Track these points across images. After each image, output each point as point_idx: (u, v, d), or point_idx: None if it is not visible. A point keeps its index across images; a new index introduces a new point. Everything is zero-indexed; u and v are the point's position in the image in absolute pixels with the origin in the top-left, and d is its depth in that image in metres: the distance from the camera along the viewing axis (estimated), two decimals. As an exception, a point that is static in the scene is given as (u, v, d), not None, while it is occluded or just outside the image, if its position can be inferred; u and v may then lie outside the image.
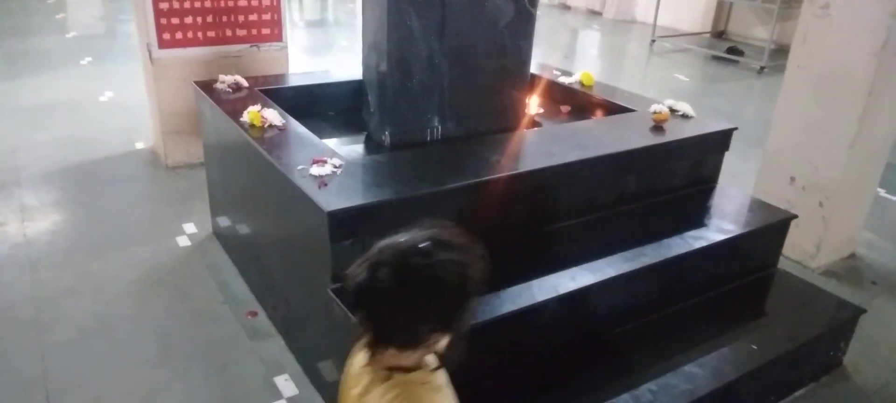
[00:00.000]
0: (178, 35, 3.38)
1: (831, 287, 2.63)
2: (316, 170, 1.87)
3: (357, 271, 0.96)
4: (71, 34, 6.60)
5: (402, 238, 0.99)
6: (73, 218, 3.03)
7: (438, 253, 0.96)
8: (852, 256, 3.00)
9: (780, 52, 2.81)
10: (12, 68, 5.24)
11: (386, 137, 2.42)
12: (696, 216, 2.37)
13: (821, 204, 2.76)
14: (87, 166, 3.55)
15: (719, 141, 2.52)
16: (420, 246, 0.96)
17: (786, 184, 2.86)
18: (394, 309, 0.95)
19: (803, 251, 2.86)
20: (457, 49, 2.38)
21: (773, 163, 2.91)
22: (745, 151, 3.61)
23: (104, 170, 3.52)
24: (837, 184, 2.70)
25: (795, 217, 2.43)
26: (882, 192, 3.63)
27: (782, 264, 2.69)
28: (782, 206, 2.70)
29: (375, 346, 0.98)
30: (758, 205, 2.51)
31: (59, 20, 7.29)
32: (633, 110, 2.63)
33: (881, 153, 2.84)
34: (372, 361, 1.01)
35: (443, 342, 0.98)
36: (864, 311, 2.25)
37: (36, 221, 2.95)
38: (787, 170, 2.85)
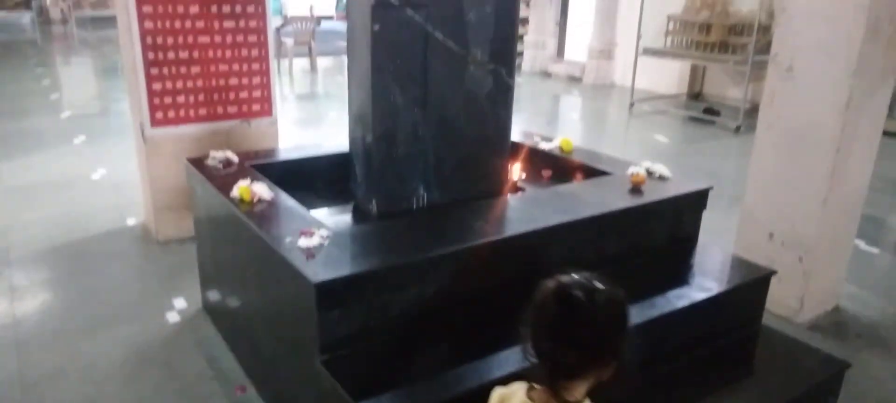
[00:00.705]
0: (171, 113, 3.47)
1: (817, 341, 2.66)
2: (303, 242, 1.91)
3: (543, 313, 1.10)
4: (65, 114, 6.72)
5: (569, 279, 1.14)
6: (62, 297, 3.03)
7: (610, 291, 1.13)
8: (836, 309, 3.05)
9: (755, 110, 2.93)
10: (5, 148, 5.31)
11: (373, 207, 2.48)
12: (678, 275, 2.42)
13: (801, 259, 2.83)
14: (77, 244, 3.57)
15: (696, 200, 2.60)
16: (597, 285, 1.12)
17: (765, 240, 2.92)
18: (587, 342, 1.08)
19: (788, 306, 2.90)
20: (440, 119, 2.47)
21: (751, 219, 2.99)
22: (725, 208, 3.70)
23: (95, 248, 3.54)
24: (815, 239, 2.77)
25: (775, 273, 2.48)
26: (862, 244, 3.71)
27: (768, 320, 2.73)
28: (763, 262, 2.76)
29: (556, 381, 1.10)
30: (738, 263, 2.57)
31: (53, 101, 7.43)
32: (611, 173, 2.72)
33: (855, 207, 2.93)
34: (545, 397, 1.12)
35: (608, 371, 1.12)
36: (849, 366, 2.27)
37: (25, 301, 2.95)
38: (765, 226, 2.92)
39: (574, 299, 1.10)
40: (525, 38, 10.64)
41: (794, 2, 2.66)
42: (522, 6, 10.88)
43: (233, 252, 2.46)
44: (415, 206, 2.53)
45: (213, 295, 2.80)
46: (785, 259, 2.85)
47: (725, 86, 8.19)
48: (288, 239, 1.93)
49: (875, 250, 3.77)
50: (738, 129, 6.66)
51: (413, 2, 2.28)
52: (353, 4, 2.40)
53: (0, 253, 3.41)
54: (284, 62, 9.84)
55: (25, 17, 15.69)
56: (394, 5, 2.24)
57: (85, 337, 2.68)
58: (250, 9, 3.55)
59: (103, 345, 2.62)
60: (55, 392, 2.34)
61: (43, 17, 15.84)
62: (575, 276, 1.15)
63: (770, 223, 2.90)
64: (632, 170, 2.62)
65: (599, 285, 1.14)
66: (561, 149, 3.04)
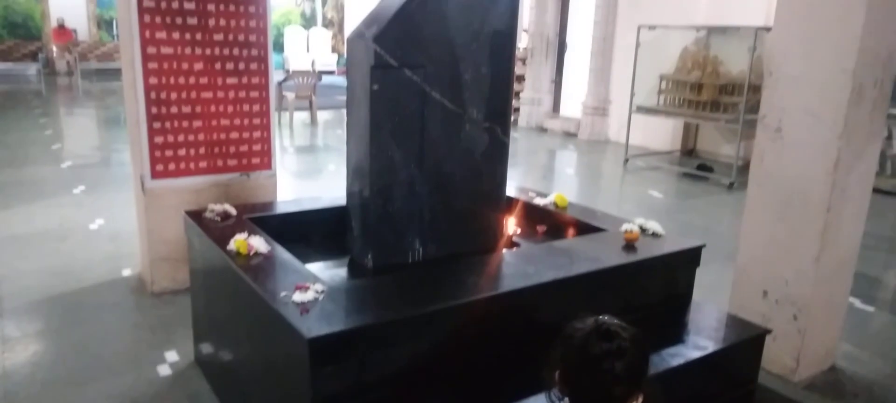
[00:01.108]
0: (171, 166, 3.52)
1: (814, 401, 2.64)
2: (298, 297, 1.92)
3: (587, 351, 1.24)
4: (66, 164, 6.78)
5: (605, 319, 1.30)
6: (54, 348, 3.01)
7: (634, 328, 1.31)
8: (833, 369, 3.03)
9: (747, 167, 2.98)
10: (4, 197, 5.34)
11: (369, 261, 2.49)
12: (673, 333, 2.42)
13: (795, 318, 2.83)
14: (72, 295, 3.56)
15: (690, 257, 2.62)
16: (624, 323, 1.30)
17: (759, 298, 2.93)
18: (632, 374, 1.23)
19: (784, 365, 2.89)
20: (436, 176, 2.51)
21: (745, 277, 3.00)
22: (720, 265, 3.71)
23: (89, 299, 3.53)
24: (809, 298, 2.78)
25: (770, 332, 2.49)
26: (857, 303, 3.72)
27: (765, 378, 2.73)
28: (758, 320, 2.77)
29: None
30: (733, 321, 2.57)
31: (55, 150, 7.50)
32: (604, 229, 2.75)
33: (848, 265, 2.95)
34: None
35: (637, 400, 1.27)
36: (846, 425, 2.26)
37: (16, 352, 2.93)
38: (759, 284, 2.94)
39: (619, 335, 1.26)
40: (521, 94, 10.85)
41: (781, 66, 2.74)
42: (518, 64, 11.13)
43: (227, 305, 2.46)
44: (410, 261, 2.55)
45: (206, 348, 2.79)
46: (780, 317, 2.86)
47: (718, 143, 8.31)
48: (282, 294, 1.94)
49: (870, 308, 3.77)
50: (731, 186, 6.73)
51: (411, 63, 2.35)
52: (354, 64, 2.48)
53: (-7, 303, 3.40)
54: (285, 115, 10.00)
55: (32, 68, 15.96)
56: (393, 66, 2.31)
57: (75, 389, 2.64)
58: (254, 66, 3.64)
59: (93, 398, 2.59)
60: (42, 446, 2.30)
61: (49, 68, 16.13)
62: (603, 317, 1.31)
63: (764, 281, 2.91)
64: (625, 226, 2.65)
65: (623, 323, 1.31)
66: (555, 204, 3.07)
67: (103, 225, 4.75)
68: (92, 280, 3.76)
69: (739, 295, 3.04)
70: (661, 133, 8.68)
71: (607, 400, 1.24)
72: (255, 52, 3.63)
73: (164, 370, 2.83)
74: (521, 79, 11.00)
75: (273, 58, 3.77)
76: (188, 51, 3.43)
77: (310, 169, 7.60)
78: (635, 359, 1.25)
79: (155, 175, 3.49)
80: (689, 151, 8.60)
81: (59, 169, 6.55)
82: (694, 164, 7.75)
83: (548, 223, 3.03)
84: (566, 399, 1.32)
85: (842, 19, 2.51)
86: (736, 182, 6.68)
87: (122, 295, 3.61)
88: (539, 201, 3.12)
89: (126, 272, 3.90)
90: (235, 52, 3.57)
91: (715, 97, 7.25)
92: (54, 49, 16.31)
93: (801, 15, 2.65)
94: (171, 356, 2.94)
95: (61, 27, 16.26)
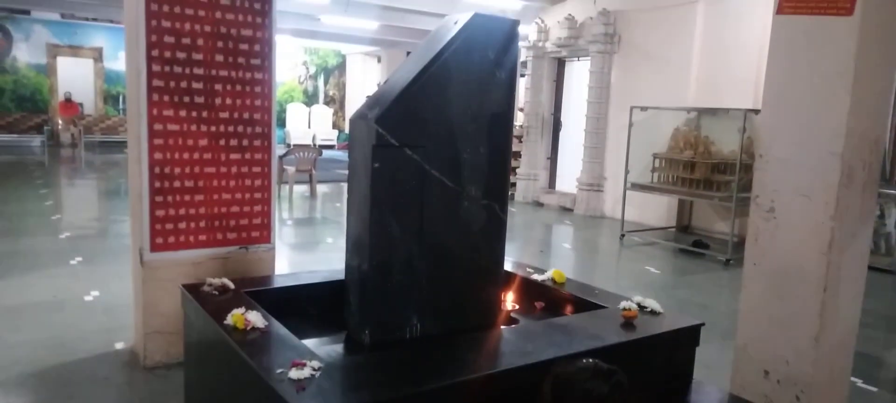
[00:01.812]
0: (171, 239, 3.54)
1: (820, 486, 2.57)
2: (294, 374, 1.90)
3: (592, 393, 1.52)
4: (64, 235, 6.79)
5: (601, 363, 1.59)
6: (41, 424, 2.94)
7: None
8: (838, 452, 2.97)
9: (743, 244, 3.01)
10: (1, 268, 5.32)
11: (366, 337, 2.48)
12: (674, 413, 2.39)
13: (798, 398, 2.79)
14: (63, 368, 3.50)
15: (689, 336, 2.62)
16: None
17: (761, 378, 2.90)
18: None
19: (788, 447, 2.83)
20: (435, 251, 2.54)
21: (745, 357, 2.98)
22: (719, 343, 3.69)
23: (80, 373, 3.47)
24: (810, 378, 2.75)
25: (771, 412, 2.45)
26: (859, 383, 3.67)
27: (768, 462, 2.66)
28: (760, 401, 2.73)
29: None
30: (735, 402, 2.54)
31: (53, 221, 7.52)
32: (603, 306, 2.75)
33: (848, 344, 2.93)
34: None
35: None
36: None
37: (2, 429, 2.86)
38: (759, 364, 2.91)
39: (619, 377, 1.56)
40: (518, 170, 11.01)
41: (770, 149, 2.82)
42: (515, 141, 11.36)
43: (222, 380, 2.43)
44: (408, 336, 2.54)
45: (198, 426, 2.73)
46: (783, 397, 2.82)
47: (713, 220, 8.39)
48: (279, 370, 1.93)
49: (873, 388, 3.73)
50: (728, 262, 6.75)
51: (411, 142, 2.42)
52: (356, 143, 2.54)
53: (-18, 377, 3.34)
54: (285, 188, 10.10)
55: (36, 140, 16.20)
56: (393, 146, 2.38)
57: (60, 470, 2.57)
58: (257, 142, 3.72)
59: (79, 479, 2.51)
60: None
61: (53, 140, 16.37)
62: (593, 361, 1.61)
63: (764, 361, 2.89)
64: (624, 304, 2.66)
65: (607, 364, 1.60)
66: (553, 280, 3.08)
67: (98, 296, 4.72)
68: (84, 353, 3.71)
69: (741, 374, 3.00)
70: (656, 209, 8.77)
71: None
72: (258, 129, 3.72)
73: (153, 448, 2.76)
74: (517, 155, 11.18)
75: (276, 133, 3.86)
76: (194, 127, 3.51)
77: (308, 241, 7.62)
78: (627, 397, 1.55)
79: (154, 248, 3.50)
80: (684, 227, 8.66)
81: (57, 239, 6.56)
82: (689, 240, 7.80)
83: (546, 299, 3.03)
84: None
85: (827, 104, 2.60)
86: (732, 258, 6.70)
87: (114, 369, 3.55)
88: (537, 277, 3.14)
89: (119, 345, 3.85)
90: (240, 128, 3.66)
91: (707, 175, 7.38)
92: (60, 121, 16.61)
93: (787, 99, 2.74)
94: (162, 434, 2.87)
95: (68, 101, 16.62)
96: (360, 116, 2.50)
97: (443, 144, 2.51)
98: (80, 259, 5.74)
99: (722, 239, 7.60)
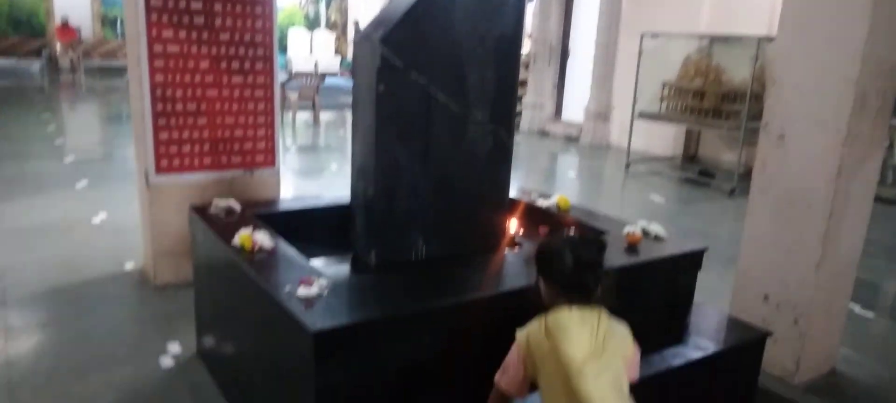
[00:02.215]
0: (176, 162, 3.54)
1: (813, 404, 2.66)
2: (303, 291, 1.93)
3: (584, 256, 1.67)
4: (69, 159, 6.80)
5: (589, 233, 1.77)
6: (56, 339, 3.02)
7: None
8: (833, 373, 3.05)
9: (749, 174, 3.00)
10: (7, 191, 5.36)
11: (372, 258, 2.51)
12: (674, 334, 2.44)
13: (796, 322, 2.85)
14: (75, 287, 3.58)
15: (691, 260, 2.64)
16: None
17: (760, 302, 2.95)
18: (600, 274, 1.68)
19: (784, 367, 2.90)
20: (440, 176, 2.53)
21: (746, 281, 3.02)
22: (720, 270, 3.73)
23: (92, 291, 3.54)
24: (809, 302, 2.80)
25: (770, 334, 2.51)
26: (857, 308, 3.73)
27: (765, 380, 2.74)
28: (759, 324, 2.79)
29: (590, 298, 1.67)
30: (733, 323, 2.59)
31: (58, 146, 7.52)
32: (607, 231, 2.76)
33: (848, 271, 2.97)
34: (585, 308, 1.64)
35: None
36: (844, 429, 2.27)
37: (19, 342, 2.94)
38: (760, 288, 2.95)
39: (602, 240, 1.75)
40: (524, 98, 10.87)
41: (785, 75, 2.76)
42: (522, 69, 11.17)
43: (231, 298, 2.48)
44: (413, 259, 2.57)
45: (209, 341, 2.80)
46: (780, 321, 2.87)
47: (720, 150, 8.34)
48: (287, 288, 1.96)
49: (870, 314, 3.79)
50: (732, 192, 6.75)
51: (417, 65, 2.37)
52: (360, 66, 2.50)
53: (-3, 295, 3.41)
54: (288, 115, 10.02)
55: (35, 65, 15.99)
56: (398, 68, 2.33)
57: (77, 380, 2.66)
58: (259, 65, 3.67)
59: (95, 388, 2.60)
60: (45, 436, 2.31)
61: (52, 65, 16.16)
62: (576, 233, 1.80)
63: (765, 285, 2.93)
64: (628, 229, 2.67)
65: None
66: (558, 206, 3.09)
67: (106, 219, 4.77)
68: (95, 273, 3.78)
69: (740, 298, 3.05)
70: (663, 139, 8.70)
71: (596, 287, 1.67)
72: (260, 51, 3.66)
73: (166, 361, 2.85)
74: (523, 83, 11.03)
75: (277, 57, 3.79)
76: (194, 49, 3.45)
77: (312, 168, 7.63)
78: (601, 257, 1.69)
79: (159, 170, 3.50)
80: (690, 157, 8.62)
81: (62, 164, 6.57)
82: (695, 170, 7.78)
83: (550, 224, 3.04)
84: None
85: (845, 29, 2.53)
86: (737, 188, 6.70)
87: (125, 288, 3.62)
88: (542, 203, 3.14)
89: (129, 266, 3.91)
90: (241, 51, 3.59)
91: (717, 105, 7.27)
92: (58, 46, 16.35)
93: (804, 24, 2.67)
94: (174, 348, 2.95)
95: (65, 25, 16.28)
96: (364, 37, 2.44)
97: (449, 67, 2.46)
98: (85, 182, 5.77)
99: (728, 169, 7.58)
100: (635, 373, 1.68)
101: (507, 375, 1.69)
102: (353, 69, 2.60)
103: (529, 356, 1.63)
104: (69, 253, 4.07)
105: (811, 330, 2.83)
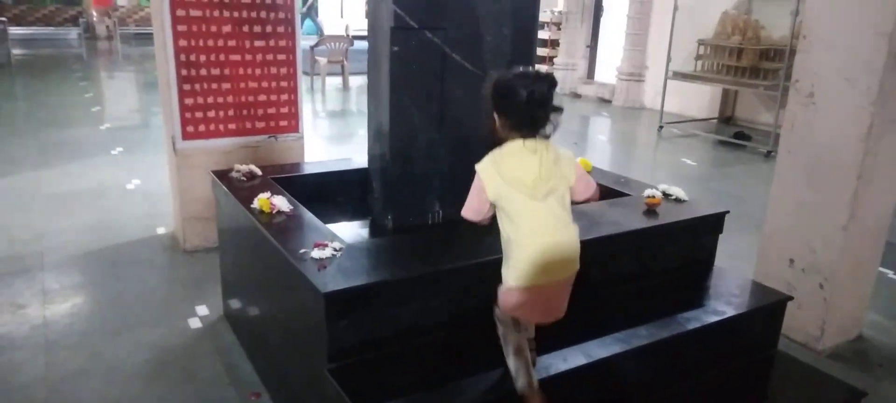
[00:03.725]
0: (201, 127, 3.60)
1: (837, 370, 2.60)
2: (317, 253, 1.97)
3: (536, 92, 1.71)
4: (105, 126, 6.99)
5: (528, 70, 1.78)
6: (91, 300, 3.15)
7: None
8: (859, 338, 2.98)
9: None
10: (46, 157, 5.55)
11: (389, 221, 2.53)
12: (691, 298, 2.41)
13: (821, 286, 2.78)
14: (108, 251, 3.71)
15: (712, 224, 2.59)
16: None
17: (785, 266, 2.88)
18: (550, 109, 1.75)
19: (808, 333, 2.85)
20: (455, 138, 2.52)
21: (771, 245, 2.95)
22: (752, 234, 3.64)
23: (125, 254, 3.67)
24: (836, 266, 2.72)
25: (791, 298, 2.45)
26: (889, 273, 3.62)
27: (789, 346, 2.70)
28: (783, 288, 2.73)
29: (538, 131, 1.75)
30: (753, 287, 2.54)
31: (94, 113, 7.72)
32: (627, 194, 2.72)
33: (878, 234, 2.87)
34: (536, 139, 1.75)
35: None
36: (866, 394, 2.23)
37: (56, 304, 3.08)
38: (785, 252, 2.88)
39: (552, 78, 1.76)
40: (555, 59, 10.68)
41: (815, 29, 2.64)
42: (553, 28, 10.94)
43: (251, 261, 2.54)
44: (430, 222, 2.58)
45: (234, 304, 2.88)
46: (805, 285, 2.81)
47: (757, 111, 8.08)
48: (302, 251, 1.99)
49: (904, 280, 3.67)
50: (769, 154, 6.56)
51: (431, 24, 2.35)
52: (375, 26, 2.48)
53: (34, 258, 3.56)
54: (317, 80, 10.06)
55: (72, 33, 16.33)
56: (413, 28, 2.31)
57: (110, 340, 2.78)
58: (281, 29, 3.67)
59: (126, 348, 2.71)
60: (78, 391, 2.43)
61: (89, 32, 16.48)
62: (523, 68, 1.79)
63: (790, 249, 2.86)
64: (648, 192, 2.63)
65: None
66: (578, 169, 3.05)
67: (139, 185, 4.91)
68: (128, 237, 3.90)
69: (765, 262, 2.99)
70: (698, 100, 8.47)
71: (545, 122, 1.75)
72: (281, 15, 3.66)
73: (194, 323, 2.95)
74: (555, 43, 10.82)
75: (305, 23, 3.79)
76: (216, 13, 3.48)
77: (340, 133, 7.68)
78: (551, 93, 1.74)
79: (185, 136, 3.57)
80: (726, 119, 8.39)
81: (98, 130, 6.75)
82: (731, 132, 7.56)
83: (570, 187, 3.01)
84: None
85: (881, -22, 2.40)
86: (774, 150, 6.49)
87: (156, 251, 3.74)
88: (562, 165, 3.10)
89: (160, 230, 4.03)
90: (263, 14, 3.60)
91: (755, 63, 7.03)
92: (94, 14, 16.64)
93: (837, -25, 2.54)
94: (202, 310, 3.05)
95: (102, -8, 16.57)
96: (378, -3, 2.42)
97: (464, 26, 2.43)
98: (120, 149, 5.93)
99: (765, 130, 7.34)
100: (588, 191, 1.86)
101: (471, 206, 1.84)
102: (369, 30, 2.59)
103: (489, 184, 1.77)
104: (104, 218, 4.21)
105: (837, 295, 2.76)
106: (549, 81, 1.75)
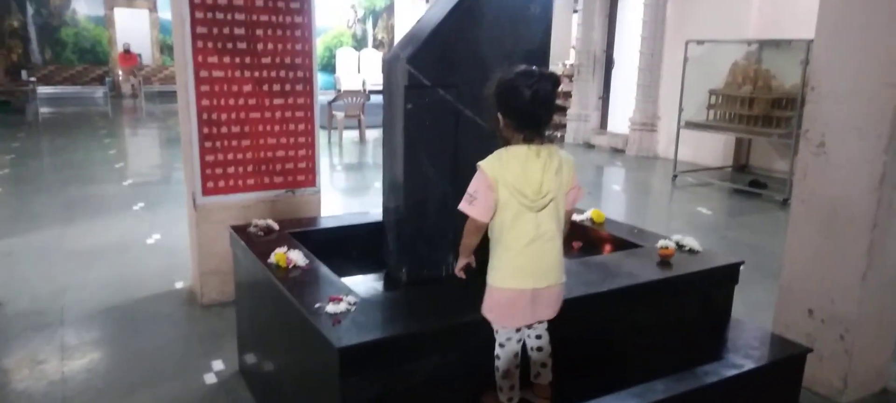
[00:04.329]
0: (221, 183, 3.68)
1: (863, 425, 2.54)
2: (331, 308, 1.99)
3: (541, 93, 1.78)
4: (127, 182, 7.15)
5: (532, 69, 1.83)
6: (109, 356, 3.18)
7: None
8: (884, 391, 2.90)
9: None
10: (70, 213, 5.68)
11: (403, 274, 2.55)
12: (709, 350, 2.38)
13: (842, 337, 2.73)
14: (128, 306, 3.76)
15: (727, 274, 2.57)
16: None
17: (805, 317, 2.85)
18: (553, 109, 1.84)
19: (831, 386, 2.78)
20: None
21: (790, 295, 2.92)
22: (771, 284, 3.61)
23: (144, 309, 3.71)
24: (856, 316, 2.68)
25: (810, 350, 2.42)
26: (914, 324, 3.54)
27: (811, 400, 2.64)
28: (803, 340, 2.69)
29: (541, 136, 1.84)
30: (771, 339, 2.51)
31: (118, 169, 7.91)
32: (640, 246, 2.73)
33: (899, 284, 2.83)
34: (536, 144, 1.82)
35: None
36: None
37: (74, 360, 3.11)
38: (804, 302, 2.85)
39: (556, 77, 1.81)
40: (568, 111, 10.80)
41: (823, 80, 2.68)
42: (566, 80, 11.10)
43: (268, 315, 2.56)
44: (444, 274, 2.59)
45: (249, 358, 2.90)
46: (826, 336, 2.77)
47: (772, 159, 8.07)
48: (317, 305, 2.02)
49: (931, 331, 3.58)
50: (785, 202, 6.52)
51: (444, 82, 2.42)
52: (390, 84, 2.56)
53: (55, 314, 3.61)
54: (335, 134, 10.25)
55: (99, 92, 16.87)
56: (426, 86, 2.38)
57: (127, 396, 2.79)
58: (299, 87, 3.79)
59: (143, 404, 2.73)
60: (96, 447, 2.43)
61: (115, 91, 17.02)
62: (531, 66, 1.84)
63: (809, 299, 2.83)
64: (661, 243, 2.63)
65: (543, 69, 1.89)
66: (592, 220, 3.07)
67: (159, 239, 4.99)
68: (147, 292, 3.96)
69: (784, 313, 2.95)
70: (712, 148, 8.49)
71: (546, 125, 1.83)
72: (300, 73, 3.78)
73: (209, 378, 2.96)
74: (568, 95, 10.96)
75: (323, 78, 3.91)
76: (238, 73, 3.60)
77: (357, 186, 7.77)
78: (555, 93, 1.81)
79: (206, 192, 3.66)
80: (741, 167, 8.37)
81: (121, 186, 6.91)
82: (746, 180, 7.54)
83: (584, 239, 3.03)
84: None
85: (884, 32, 2.45)
86: (790, 198, 6.45)
87: (174, 306, 3.78)
88: (575, 217, 3.12)
89: (179, 284, 4.08)
90: (282, 74, 3.73)
91: (767, 111, 7.05)
92: (120, 73, 17.22)
93: (842, 28, 2.59)
94: (217, 365, 3.06)
95: (127, 52, 17.16)
96: (393, 57, 2.51)
97: (476, 83, 2.47)
98: (142, 204, 6.06)
99: (781, 178, 7.32)
100: (575, 201, 1.96)
101: (478, 203, 1.84)
102: (384, 87, 2.66)
103: (498, 184, 1.80)
104: (124, 272, 4.27)
105: (859, 347, 2.71)
106: (553, 80, 1.79)
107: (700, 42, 7.62)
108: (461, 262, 2.11)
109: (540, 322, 2.00)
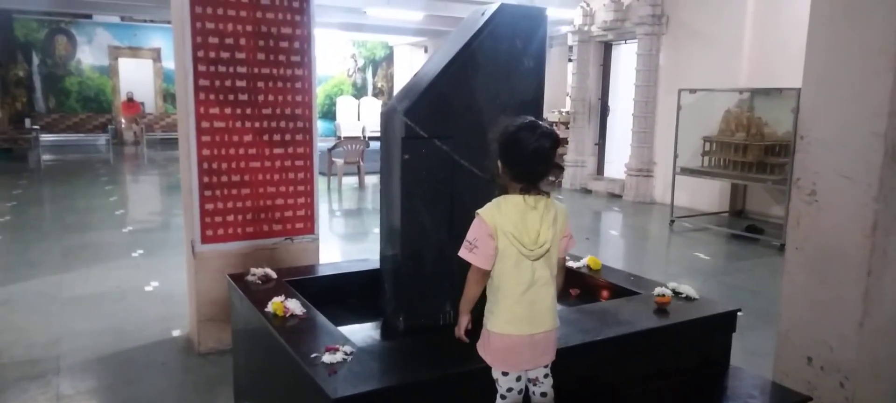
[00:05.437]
0: (220, 231, 3.71)
1: (866, 475, 2.50)
2: (328, 358, 1.99)
3: (542, 148, 1.85)
4: (127, 229, 7.17)
5: (536, 123, 1.90)
6: (104, 406, 3.15)
7: None
8: (887, 440, 2.87)
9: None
10: (68, 261, 5.68)
11: (400, 323, 2.56)
12: (708, 400, 2.37)
13: (842, 385, 2.72)
14: (124, 354, 3.74)
15: (724, 322, 2.58)
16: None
17: (804, 365, 2.83)
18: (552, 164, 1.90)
19: (833, 435, 2.76)
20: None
21: (788, 343, 2.91)
22: (770, 330, 3.60)
23: (140, 358, 3.69)
24: (855, 364, 2.68)
25: (810, 399, 2.41)
26: (915, 371, 3.52)
27: (811, 450, 2.61)
28: (803, 388, 2.68)
29: (537, 188, 1.89)
30: (772, 388, 2.50)
31: (118, 216, 7.94)
32: (637, 293, 2.74)
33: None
34: (532, 194, 1.88)
35: None
36: None
37: (69, 409, 3.09)
38: (802, 350, 2.84)
39: (556, 135, 1.89)
40: (565, 157, 10.90)
41: (812, 128, 2.74)
42: (561, 127, 11.25)
43: (264, 364, 2.55)
44: (441, 322, 2.60)
45: (246, 408, 2.87)
46: (826, 384, 2.75)
47: (768, 204, 8.12)
48: (313, 355, 2.02)
49: (932, 378, 3.56)
50: (782, 247, 6.51)
51: (440, 134, 2.47)
52: (387, 135, 2.61)
53: (51, 362, 3.59)
54: (334, 180, 10.32)
55: (101, 139, 17.03)
56: (423, 138, 2.43)
57: (121, 447, 2.76)
58: (299, 137, 3.85)
59: (137, 456, 2.69)
60: None
61: (117, 138, 17.18)
62: (531, 119, 1.91)
63: (807, 347, 2.82)
64: (657, 290, 2.64)
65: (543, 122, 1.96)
66: (589, 267, 3.09)
67: (158, 287, 4.99)
68: (143, 340, 3.94)
69: (783, 361, 2.94)
70: (709, 194, 8.55)
71: (544, 177, 1.88)
72: (300, 124, 3.85)
73: (205, 429, 2.93)
74: (564, 142, 11.08)
75: (323, 125, 3.97)
76: (239, 124, 3.66)
77: (356, 232, 7.79)
78: (554, 150, 1.87)
79: (205, 240, 3.68)
80: (738, 212, 8.42)
81: (121, 233, 6.93)
82: (743, 225, 7.58)
83: (580, 286, 3.04)
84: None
85: (869, 82, 2.51)
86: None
87: (171, 354, 3.76)
88: (572, 264, 3.14)
89: (176, 332, 4.06)
90: (282, 124, 3.79)
91: (761, 158, 7.14)
92: (123, 121, 17.42)
93: (827, 79, 2.66)
94: (213, 415, 3.03)
95: (130, 100, 17.40)
96: (390, 109, 2.57)
97: (472, 134, 2.54)
98: (141, 251, 6.06)
99: (777, 223, 7.36)
100: (567, 249, 2.03)
101: (479, 251, 1.90)
102: (382, 138, 2.72)
103: (498, 232, 1.86)
104: (121, 320, 4.26)
105: (859, 394, 2.69)
106: (553, 139, 1.86)
107: (692, 90, 7.76)
108: (462, 321, 2.10)
109: (542, 367, 2.02)
